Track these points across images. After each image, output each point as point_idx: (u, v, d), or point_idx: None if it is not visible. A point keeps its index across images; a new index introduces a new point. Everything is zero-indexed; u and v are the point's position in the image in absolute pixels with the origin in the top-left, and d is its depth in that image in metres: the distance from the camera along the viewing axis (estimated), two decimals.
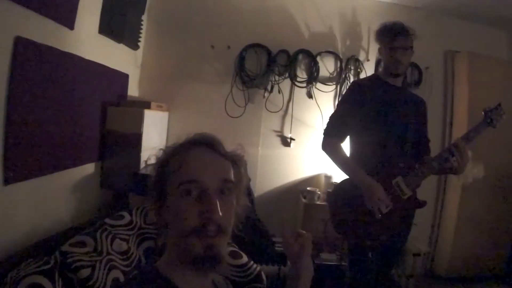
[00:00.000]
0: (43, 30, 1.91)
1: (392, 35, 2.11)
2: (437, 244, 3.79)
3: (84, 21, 2.31)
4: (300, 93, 3.62)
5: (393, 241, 2.12)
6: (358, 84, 2.32)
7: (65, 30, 2.13)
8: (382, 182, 2.06)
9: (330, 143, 2.21)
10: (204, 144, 0.88)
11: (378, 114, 2.11)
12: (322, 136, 2.25)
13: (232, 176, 0.88)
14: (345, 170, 2.16)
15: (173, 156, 0.87)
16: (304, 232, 1.05)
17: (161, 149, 0.93)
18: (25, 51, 1.76)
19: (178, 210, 0.82)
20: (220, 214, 0.80)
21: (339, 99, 2.27)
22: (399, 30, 2.11)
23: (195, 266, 0.81)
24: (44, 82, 1.95)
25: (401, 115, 2.13)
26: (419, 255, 3.29)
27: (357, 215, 2.07)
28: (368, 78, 2.38)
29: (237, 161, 0.92)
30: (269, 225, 3.30)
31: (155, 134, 3.08)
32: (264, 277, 2.15)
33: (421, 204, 2.12)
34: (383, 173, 2.08)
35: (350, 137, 2.26)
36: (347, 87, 3.14)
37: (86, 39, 2.38)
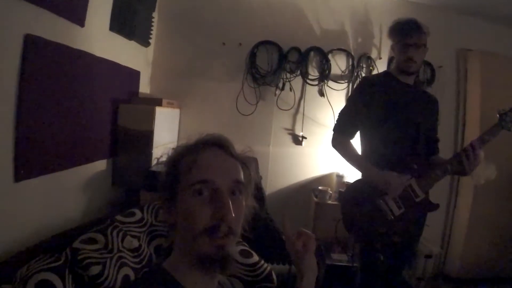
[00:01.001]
0: (53, 28, 1.91)
1: (405, 32, 2.07)
2: (449, 245, 3.74)
3: (94, 18, 2.31)
4: (311, 91, 3.59)
5: (404, 243, 2.09)
6: (368, 80, 2.28)
7: (76, 27, 2.13)
8: None
9: (339, 141, 2.19)
10: (215, 145, 0.88)
11: (389, 112, 2.08)
12: (332, 132, 2.23)
13: (242, 177, 0.87)
14: (356, 167, 2.14)
15: (184, 156, 0.87)
16: (306, 231, 1.05)
17: (172, 148, 0.92)
18: (35, 49, 1.75)
19: (189, 210, 0.81)
20: (233, 215, 0.79)
21: (349, 95, 2.24)
22: (412, 27, 2.06)
23: (204, 267, 0.80)
24: (55, 79, 1.94)
25: (412, 114, 2.10)
26: (430, 256, 3.25)
27: (369, 216, 2.04)
28: (379, 75, 2.34)
29: (246, 163, 0.92)
30: (280, 224, 3.28)
31: (166, 131, 3.08)
32: (274, 277, 2.13)
33: (434, 207, 2.09)
34: None
35: (360, 136, 2.24)
36: (357, 83, 3.12)
37: (97, 36, 2.38)
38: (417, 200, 2.03)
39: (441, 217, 3.72)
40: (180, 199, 0.84)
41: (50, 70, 1.90)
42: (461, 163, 1.97)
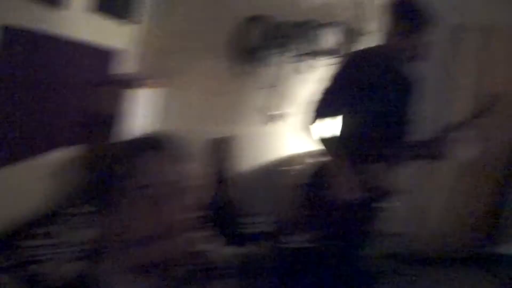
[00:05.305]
0: (29, 14, 1.87)
1: (404, 17, 1.99)
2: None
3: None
4: (294, 67, 3.49)
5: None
6: (353, 56, 2.19)
7: (54, 10, 2.04)
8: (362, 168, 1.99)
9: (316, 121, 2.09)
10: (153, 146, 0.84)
11: (371, 92, 1.98)
12: (311, 113, 2.10)
13: None
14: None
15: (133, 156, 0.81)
16: None
17: (105, 146, 0.90)
18: (12, 39, 1.74)
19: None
20: None
21: (332, 72, 2.12)
22: (413, 10, 1.96)
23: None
24: (24, 68, 1.91)
25: (396, 95, 2.01)
26: (395, 235, 3.24)
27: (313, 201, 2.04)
28: (367, 50, 2.20)
29: None
30: (251, 205, 3.31)
31: (147, 114, 3.10)
32: None
33: (384, 195, 2.05)
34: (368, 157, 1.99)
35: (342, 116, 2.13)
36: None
37: (80, 18, 2.30)
38: (373, 186, 1.97)
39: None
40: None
41: (21, 59, 1.88)
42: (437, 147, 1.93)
